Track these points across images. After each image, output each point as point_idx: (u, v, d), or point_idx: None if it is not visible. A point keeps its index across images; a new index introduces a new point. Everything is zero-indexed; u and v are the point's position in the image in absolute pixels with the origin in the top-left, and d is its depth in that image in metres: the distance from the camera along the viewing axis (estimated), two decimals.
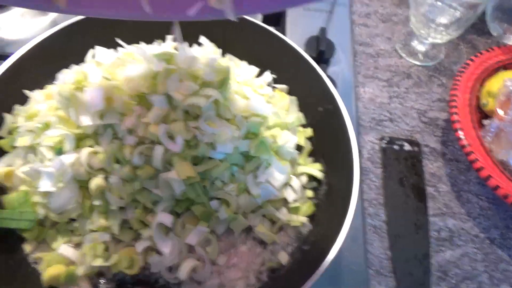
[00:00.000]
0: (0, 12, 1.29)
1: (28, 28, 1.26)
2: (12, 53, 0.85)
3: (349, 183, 0.78)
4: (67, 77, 0.77)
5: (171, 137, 0.77)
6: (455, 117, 1.06)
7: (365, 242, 1.00)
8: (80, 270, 0.76)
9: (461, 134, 1.04)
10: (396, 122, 1.21)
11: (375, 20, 1.42)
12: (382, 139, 1.17)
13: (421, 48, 1.33)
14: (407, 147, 1.16)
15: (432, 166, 1.15)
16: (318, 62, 0.92)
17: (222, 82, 0.77)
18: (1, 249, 0.75)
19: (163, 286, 0.80)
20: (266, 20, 0.95)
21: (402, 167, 1.13)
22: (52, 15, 1.30)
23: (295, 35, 1.26)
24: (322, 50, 1.17)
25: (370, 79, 1.28)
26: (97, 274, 0.79)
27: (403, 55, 1.33)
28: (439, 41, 1.25)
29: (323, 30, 1.20)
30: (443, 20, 1.20)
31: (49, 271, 0.75)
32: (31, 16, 1.29)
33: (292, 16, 1.32)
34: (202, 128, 0.76)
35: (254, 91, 0.86)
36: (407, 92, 1.27)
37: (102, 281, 0.79)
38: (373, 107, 1.23)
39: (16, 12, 1.29)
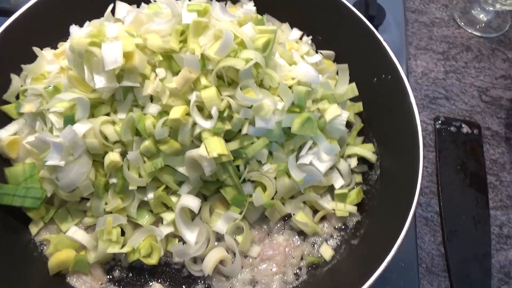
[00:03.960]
0: None
1: None
2: None
3: (413, 168, 0.64)
4: (81, 31, 0.65)
5: (200, 107, 0.65)
6: None
7: (416, 236, 0.87)
8: (92, 256, 0.66)
9: None
10: (453, 101, 1.05)
11: None
12: (436, 119, 1.02)
13: (483, 16, 1.16)
14: (465, 129, 1.01)
15: (494, 152, 1.00)
16: None
17: (266, 44, 0.64)
18: (3, 230, 0.65)
19: (186, 278, 0.69)
20: None
21: (460, 152, 0.98)
22: None
23: None
24: (371, 15, 1.01)
25: (424, 51, 1.12)
26: (111, 261, 0.69)
27: (462, 24, 1.16)
28: (507, 7, 1.07)
29: None
30: None
31: (57, 256, 0.65)
32: None
33: None
34: (238, 98, 0.63)
35: (301, 57, 0.72)
36: (466, 67, 1.10)
37: (116, 269, 0.69)
38: (427, 82, 1.08)
39: None
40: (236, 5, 0.84)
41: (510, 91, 1.07)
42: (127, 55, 0.61)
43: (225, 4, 0.80)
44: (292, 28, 0.86)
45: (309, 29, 0.86)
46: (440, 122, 1.01)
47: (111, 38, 0.61)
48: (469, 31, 1.15)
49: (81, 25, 0.77)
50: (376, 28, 1.09)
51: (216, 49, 0.61)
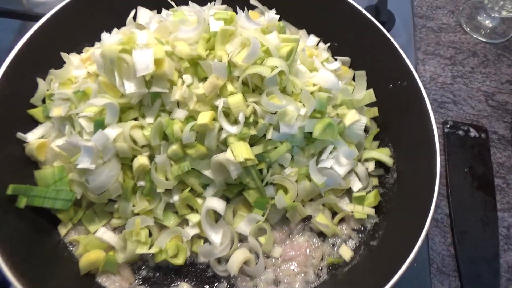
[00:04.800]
0: None
1: None
2: (43, 14, 0.75)
3: (430, 172, 0.67)
4: (112, 38, 0.67)
5: (226, 112, 0.67)
6: None
7: (427, 237, 0.90)
8: (120, 257, 0.68)
9: None
10: (460, 105, 1.08)
11: None
12: (445, 123, 1.04)
13: (489, 23, 1.19)
14: (473, 133, 1.04)
15: (500, 156, 1.03)
16: None
17: (290, 52, 0.66)
18: (33, 231, 0.67)
19: (211, 278, 0.71)
20: None
21: (468, 155, 1.01)
22: None
23: None
24: (383, 21, 1.03)
25: (431, 56, 1.15)
26: (138, 261, 0.71)
27: (468, 30, 1.19)
28: None
29: None
30: None
31: (87, 256, 0.67)
32: None
33: None
34: (263, 104, 0.65)
35: (321, 64, 0.75)
36: (472, 72, 1.13)
37: (144, 269, 0.71)
38: (435, 87, 1.11)
39: None
40: (254, 10, 0.86)
41: None
42: (157, 62, 0.62)
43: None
44: (308, 34, 0.88)
45: (324, 35, 0.88)
46: (448, 126, 1.04)
47: (141, 45, 0.63)
48: (475, 36, 1.18)
49: (104, 30, 0.79)
50: None
51: (244, 57, 0.63)
